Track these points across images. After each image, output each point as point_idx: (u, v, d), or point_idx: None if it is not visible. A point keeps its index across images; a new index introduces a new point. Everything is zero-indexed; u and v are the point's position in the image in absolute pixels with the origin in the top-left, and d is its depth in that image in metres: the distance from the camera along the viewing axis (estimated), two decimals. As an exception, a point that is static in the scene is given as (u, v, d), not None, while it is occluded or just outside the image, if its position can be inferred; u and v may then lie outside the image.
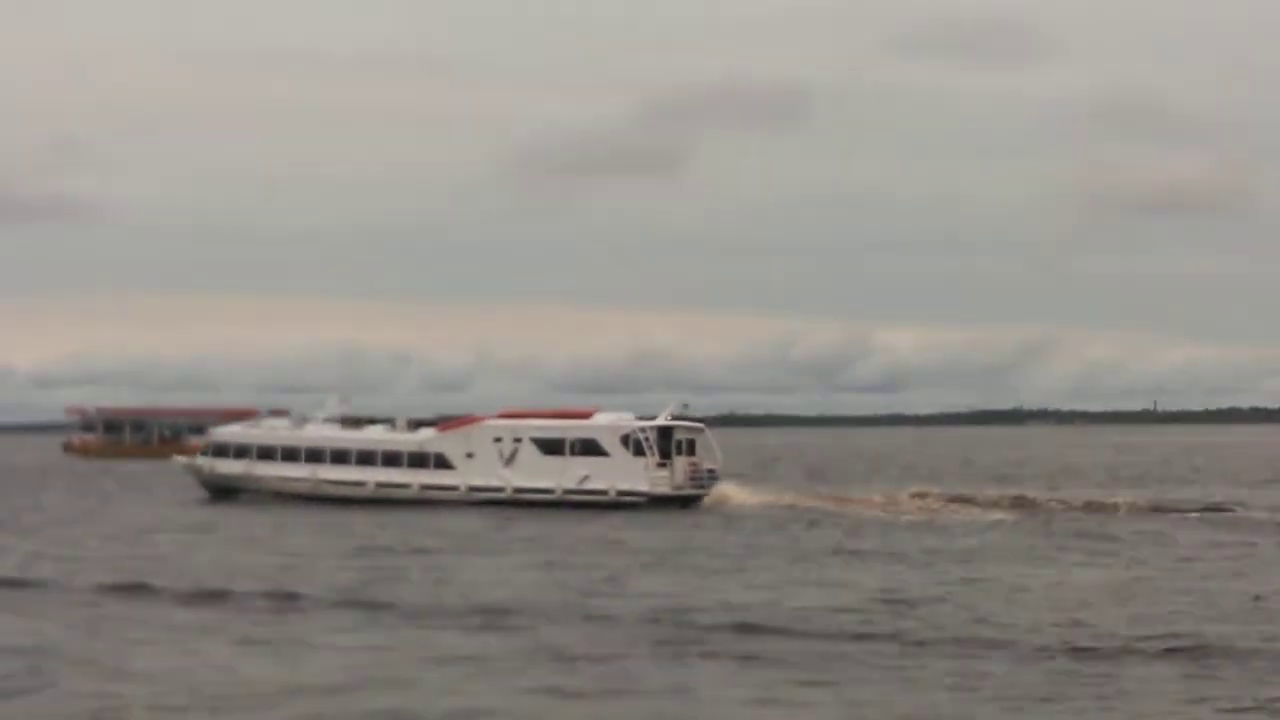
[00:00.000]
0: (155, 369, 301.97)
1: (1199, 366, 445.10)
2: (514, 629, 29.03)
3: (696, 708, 22.19)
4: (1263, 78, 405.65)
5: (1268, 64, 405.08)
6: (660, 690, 23.11)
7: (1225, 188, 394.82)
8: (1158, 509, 59.68)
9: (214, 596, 34.59)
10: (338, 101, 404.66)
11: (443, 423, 69.08)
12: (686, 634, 28.27)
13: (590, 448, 64.35)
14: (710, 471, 64.99)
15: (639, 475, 63.39)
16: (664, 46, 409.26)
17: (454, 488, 65.58)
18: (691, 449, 64.79)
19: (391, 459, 67.52)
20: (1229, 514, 58.25)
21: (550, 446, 64.97)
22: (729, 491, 64.35)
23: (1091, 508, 59.97)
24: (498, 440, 65.88)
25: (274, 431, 72.04)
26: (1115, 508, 59.63)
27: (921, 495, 64.71)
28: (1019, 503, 61.68)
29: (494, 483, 65.12)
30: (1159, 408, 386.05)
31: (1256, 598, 32.96)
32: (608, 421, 65.22)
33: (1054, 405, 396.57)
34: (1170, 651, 25.99)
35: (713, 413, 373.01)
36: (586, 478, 63.94)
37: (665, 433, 64.09)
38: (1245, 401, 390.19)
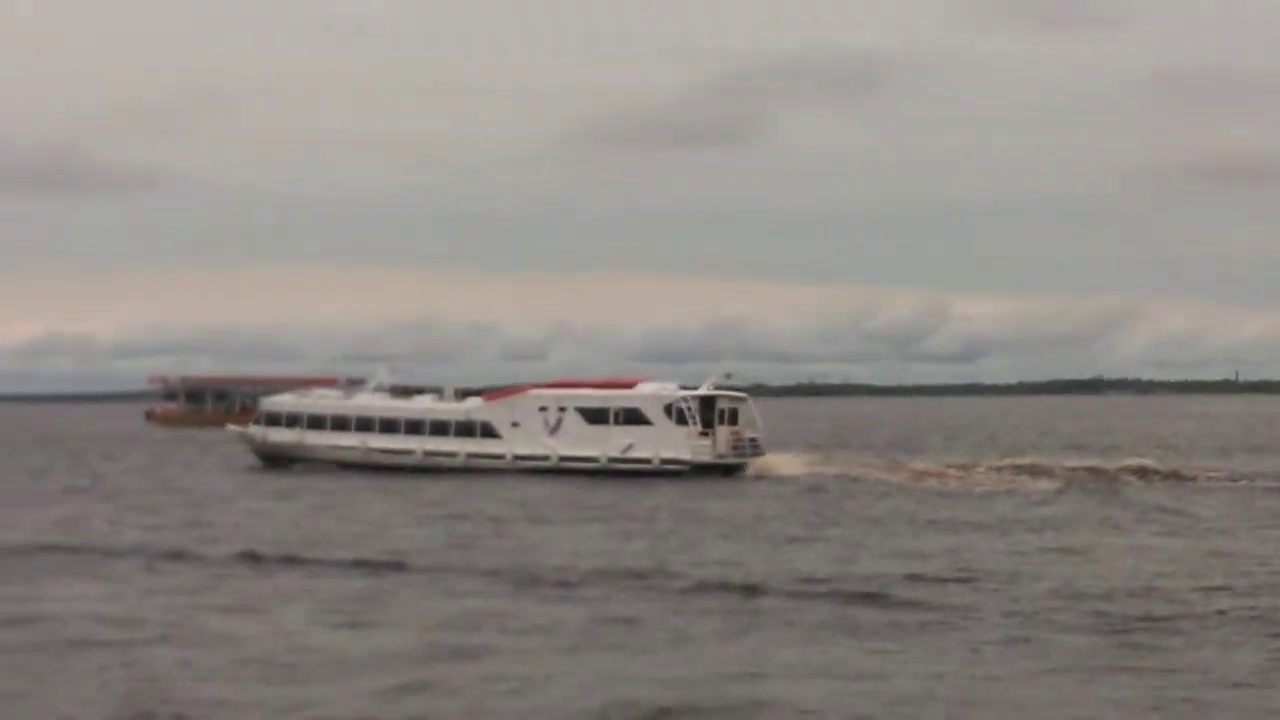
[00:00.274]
0: (232, 338, 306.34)
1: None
2: (591, 599, 29.02)
3: (766, 670, 22.08)
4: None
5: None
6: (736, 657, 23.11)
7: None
8: (1237, 478, 59.32)
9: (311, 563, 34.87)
10: (415, 72, 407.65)
11: (489, 392, 70.03)
12: (764, 601, 28.43)
13: (634, 417, 65.02)
14: (753, 440, 65.51)
15: (681, 444, 64.01)
16: (740, 16, 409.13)
17: (500, 456, 66.44)
18: (734, 418, 65.32)
19: (439, 428, 68.43)
20: None
21: (595, 416, 65.69)
22: (772, 460, 64.80)
23: (1171, 477, 59.61)
24: (543, 409, 66.66)
25: (324, 401, 73.19)
26: (1194, 477, 59.36)
27: (967, 466, 64.81)
28: (1095, 473, 61.07)
29: (539, 451, 65.94)
30: (1240, 378, 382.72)
31: None
32: (651, 391, 65.87)
33: (1133, 375, 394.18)
34: (1250, 620, 25.79)
35: (790, 382, 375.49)
36: (630, 446, 64.62)
37: (708, 402, 64.68)
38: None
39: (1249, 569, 32.76)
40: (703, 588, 30.05)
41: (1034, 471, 61.77)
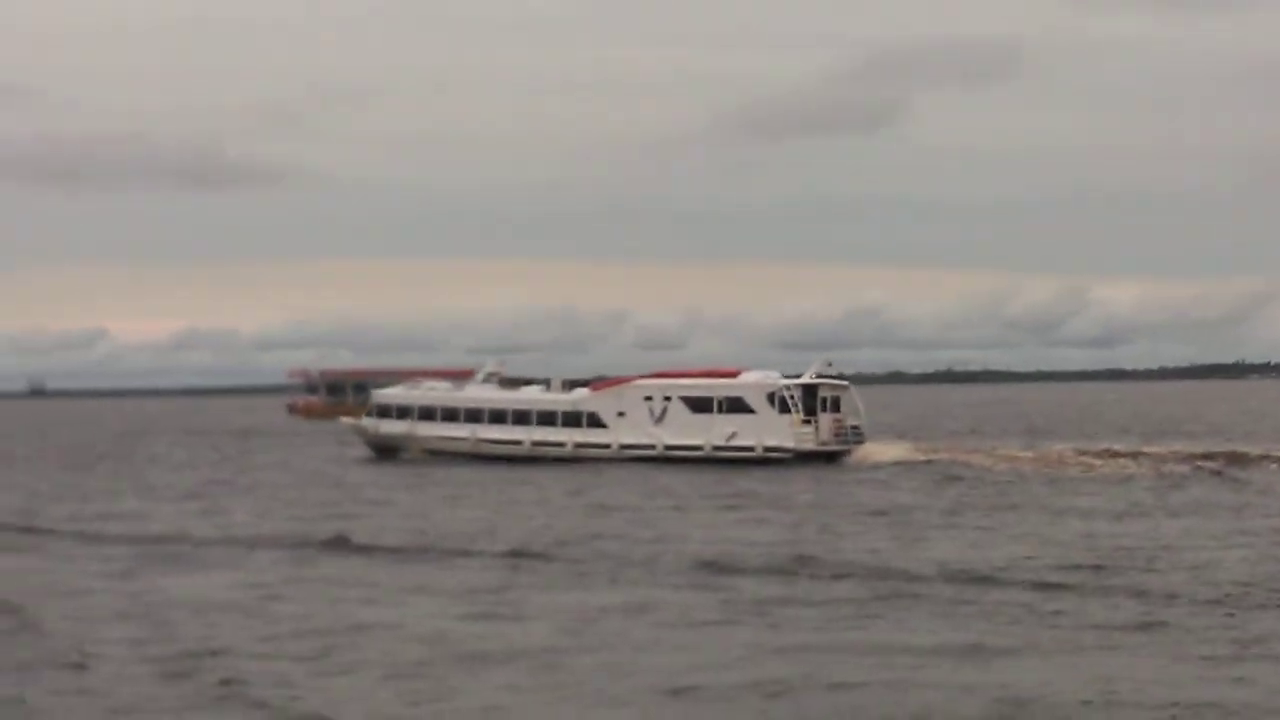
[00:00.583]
0: (371, 332, 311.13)
1: None
2: (734, 586, 29.17)
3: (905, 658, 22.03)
4: None
5: None
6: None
7: None
8: None
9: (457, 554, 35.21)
10: (550, 63, 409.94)
11: (596, 383, 70.92)
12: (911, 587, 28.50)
13: (737, 405, 65.57)
14: (854, 428, 65.76)
15: (784, 431, 64.44)
16: (875, 4, 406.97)
17: (606, 445, 67.29)
18: (836, 406, 65.61)
19: (546, 418, 69.43)
20: None
21: (699, 405, 66.31)
22: (872, 449, 65.04)
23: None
24: (648, 399, 67.40)
25: (434, 393, 74.50)
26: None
27: (1082, 451, 64.55)
28: (1232, 458, 60.44)
29: (645, 440, 66.70)
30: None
31: None
32: (754, 380, 66.37)
33: (1277, 359, 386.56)
34: None
35: (929, 369, 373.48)
36: (734, 434, 65.17)
37: (810, 390, 65.03)
38: None
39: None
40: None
41: (1123, 457, 61.79)
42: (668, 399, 67.05)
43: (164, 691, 20.21)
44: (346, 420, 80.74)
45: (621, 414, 67.84)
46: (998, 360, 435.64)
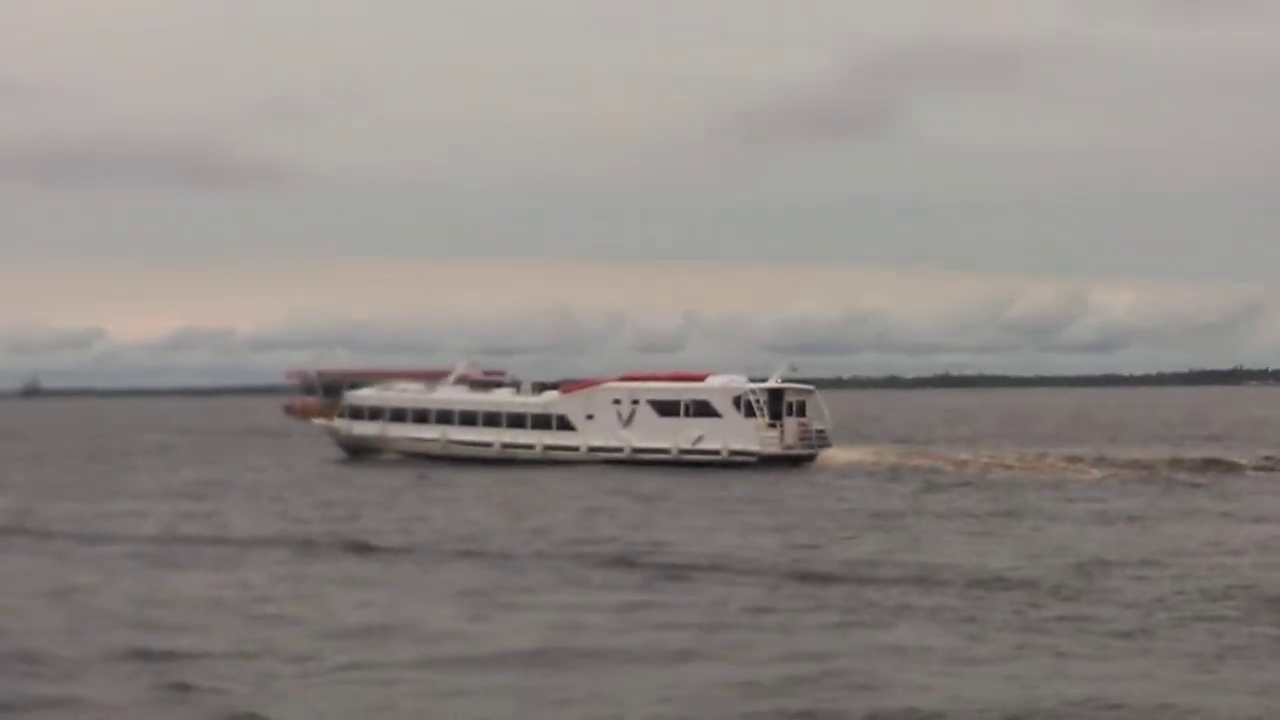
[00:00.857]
0: (369, 332, 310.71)
1: None
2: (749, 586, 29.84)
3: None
4: None
5: None
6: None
7: None
8: None
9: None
10: (549, 61, 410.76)
11: (565, 385, 71.56)
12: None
13: (704, 409, 66.22)
14: (820, 432, 66.43)
15: (750, 435, 65.08)
16: (872, 6, 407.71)
17: (575, 448, 67.94)
18: (802, 410, 66.26)
19: (516, 420, 70.10)
20: None
21: (666, 408, 66.96)
22: (837, 453, 65.69)
23: None
24: (616, 402, 68.05)
25: (406, 395, 75.19)
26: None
27: (1040, 456, 65.45)
28: (1211, 464, 61.12)
29: (613, 443, 67.36)
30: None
31: None
32: (720, 384, 66.99)
33: (1275, 365, 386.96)
34: None
35: (926, 373, 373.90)
36: (700, 438, 65.82)
37: (776, 394, 65.69)
38: None
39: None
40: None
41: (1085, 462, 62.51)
42: (635, 402, 67.70)
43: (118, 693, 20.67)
44: (319, 421, 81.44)
45: (590, 417, 68.48)
46: (995, 365, 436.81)
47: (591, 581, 30.74)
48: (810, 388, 67.36)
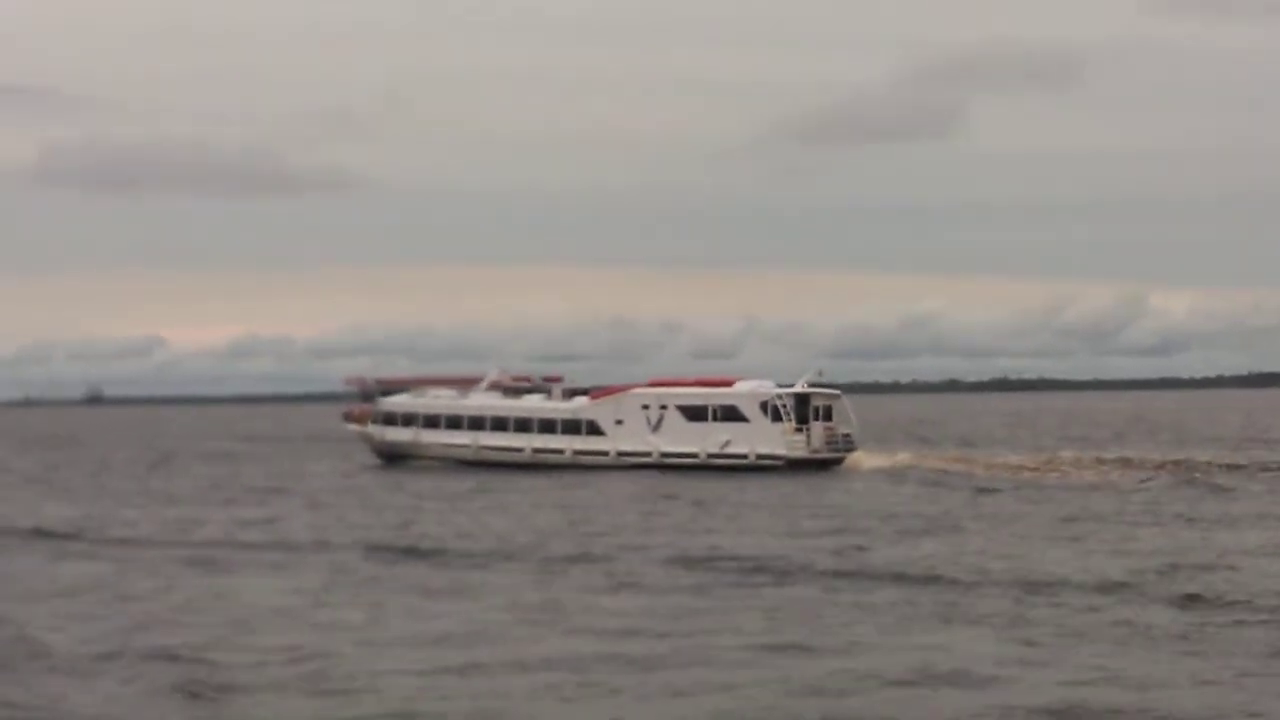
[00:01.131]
0: (427, 339, 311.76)
1: None
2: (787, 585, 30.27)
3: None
4: None
5: None
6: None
7: None
8: None
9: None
10: (608, 67, 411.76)
11: (595, 391, 72.19)
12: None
13: (731, 414, 66.72)
14: (846, 436, 66.78)
15: (777, 440, 65.53)
16: (930, 10, 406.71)
17: (604, 453, 68.60)
18: (828, 415, 66.65)
19: (547, 426, 70.82)
20: None
21: (694, 413, 67.50)
22: (862, 457, 65.96)
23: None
24: (645, 408, 68.65)
25: (439, 401, 76.03)
26: None
27: (1101, 460, 65.29)
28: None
29: (641, 448, 67.95)
30: None
31: None
32: (748, 389, 67.45)
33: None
34: None
35: (985, 377, 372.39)
36: (728, 442, 66.30)
37: (802, 399, 66.11)
38: None
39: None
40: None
41: (1126, 465, 62.27)
42: (664, 407, 68.30)
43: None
44: (353, 427, 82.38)
45: (619, 422, 69.08)
46: (1053, 369, 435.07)
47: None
48: (837, 392, 67.72)
